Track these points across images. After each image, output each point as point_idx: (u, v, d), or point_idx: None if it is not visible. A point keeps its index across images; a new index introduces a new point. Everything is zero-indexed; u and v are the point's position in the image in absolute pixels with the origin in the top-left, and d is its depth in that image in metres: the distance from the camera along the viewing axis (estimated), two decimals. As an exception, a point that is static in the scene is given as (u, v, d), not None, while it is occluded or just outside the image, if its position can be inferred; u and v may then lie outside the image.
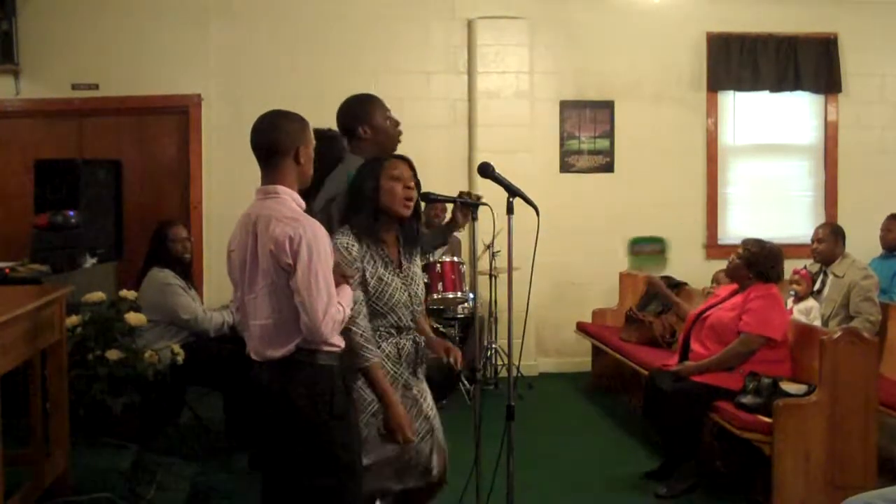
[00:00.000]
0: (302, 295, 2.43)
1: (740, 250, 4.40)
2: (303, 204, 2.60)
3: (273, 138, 2.59)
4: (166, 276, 4.68)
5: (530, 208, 2.82)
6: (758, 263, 4.32)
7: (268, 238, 2.48)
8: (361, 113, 3.15)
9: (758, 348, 4.15)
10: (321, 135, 2.81)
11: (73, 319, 3.98)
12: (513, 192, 2.84)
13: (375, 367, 2.66)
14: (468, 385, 5.78)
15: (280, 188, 2.57)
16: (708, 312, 4.45)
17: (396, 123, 3.19)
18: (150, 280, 4.68)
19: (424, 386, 2.87)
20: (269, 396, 2.57)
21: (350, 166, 2.93)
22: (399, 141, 3.20)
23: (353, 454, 2.54)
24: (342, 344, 2.53)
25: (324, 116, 2.84)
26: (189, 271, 5.00)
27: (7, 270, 4.27)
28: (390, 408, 2.65)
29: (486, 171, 2.88)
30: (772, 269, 4.34)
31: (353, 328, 2.61)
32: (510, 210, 2.81)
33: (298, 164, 2.58)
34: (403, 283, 2.78)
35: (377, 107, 3.16)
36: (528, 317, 3.02)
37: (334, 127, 3.20)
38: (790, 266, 5.28)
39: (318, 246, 2.44)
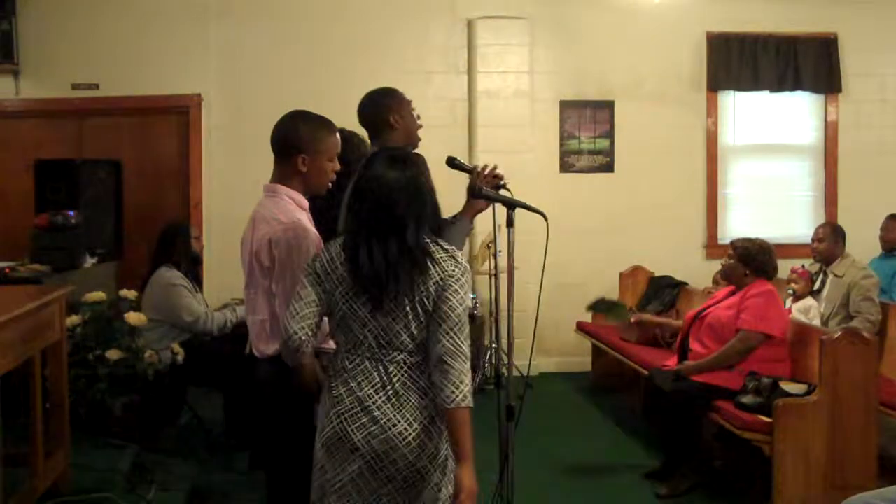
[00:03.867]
0: (279, 297, 2.44)
1: (730, 251, 4.43)
2: (304, 205, 2.60)
3: (280, 137, 2.58)
4: (174, 276, 4.69)
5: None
6: (754, 259, 4.34)
7: (255, 238, 2.50)
8: (392, 103, 3.13)
9: (757, 345, 4.15)
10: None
11: (73, 319, 3.98)
12: (511, 204, 2.74)
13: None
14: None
15: (279, 187, 2.57)
16: (706, 311, 4.46)
17: (418, 116, 3.17)
18: (157, 279, 4.68)
19: None
20: (265, 393, 2.58)
21: None
22: (420, 138, 3.17)
23: None
24: (333, 346, 2.53)
25: (325, 116, 2.83)
26: (198, 271, 5.04)
27: (7, 270, 4.27)
28: (468, 465, 2.13)
29: (475, 191, 2.78)
30: (767, 262, 4.35)
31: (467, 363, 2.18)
32: (510, 223, 2.74)
33: (299, 170, 2.56)
34: None
35: (403, 98, 3.16)
36: (536, 319, 3.02)
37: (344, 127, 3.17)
38: (789, 266, 5.29)
39: (298, 249, 2.43)
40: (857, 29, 7.08)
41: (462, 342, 2.16)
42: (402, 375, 2.19)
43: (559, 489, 4.29)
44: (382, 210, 2.18)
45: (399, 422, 2.16)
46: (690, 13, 6.98)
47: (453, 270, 2.19)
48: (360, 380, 2.19)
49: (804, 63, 6.99)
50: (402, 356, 2.19)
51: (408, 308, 2.16)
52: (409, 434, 2.16)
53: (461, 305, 2.18)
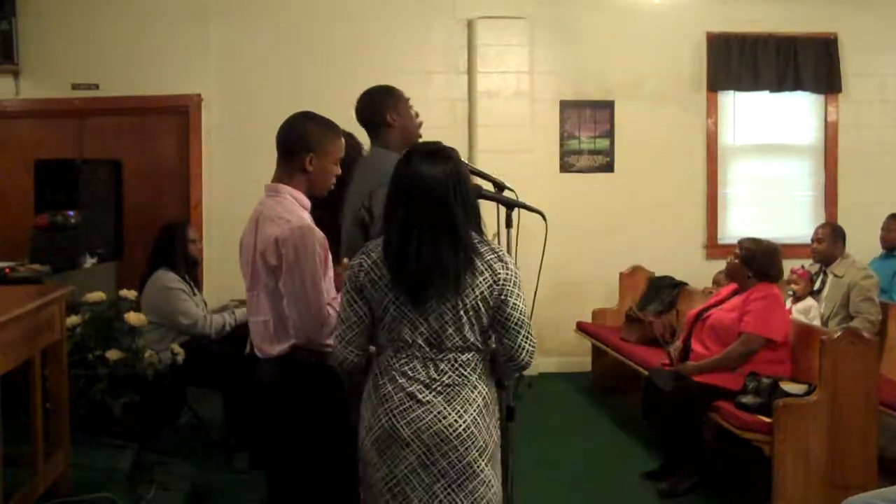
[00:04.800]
0: (287, 297, 2.44)
1: (737, 250, 4.42)
2: (307, 204, 2.60)
3: (286, 136, 2.59)
4: (171, 278, 4.68)
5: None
6: (756, 261, 4.33)
7: (260, 238, 2.50)
8: (389, 100, 3.12)
9: (758, 349, 4.15)
10: None
11: (73, 319, 3.98)
12: (511, 205, 2.72)
13: None
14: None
15: (281, 187, 2.57)
16: (708, 312, 4.45)
17: (417, 115, 3.16)
18: (155, 282, 4.68)
19: None
20: (269, 394, 2.58)
21: (385, 161, 2.75)
22: (419, 136, 3.15)
23: (349, 456, 2.53)
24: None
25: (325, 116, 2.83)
26: (196, 272, 5.03)
27: (7, 270, 4.27)
28: None
29: (475, 193, 2.77)
30: (771, 266, 4.34)
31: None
32: (509, 223, 2.73)
33: (305, 169, 2.56)
34: None
35: (401, 95, 3.14)
36: (531, 317, 3.01)
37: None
38: (789, 266, 5.28)
39: (305, 248, 2.43)
40: (857, 29, 7.08)
41: (534, 335, 2.26)
42: (453, 372, 2.21)
43: (559, 489, 4.29)
44: (433, 205, 2.17)
45: (449, 413, 2.18)
46: (690, 13, 6.98)
47: (507, 275, 2.21)
48: (409, 376, 2.21)
49: (804, 63, 6.99)
50: (452, 355, 2.21)
51: (461, 312, 2.18)
52: (460, 426, 2.18)
53: (526, 305, 2.24)
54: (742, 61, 6.97)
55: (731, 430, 4.01)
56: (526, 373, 6.37)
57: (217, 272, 6.36)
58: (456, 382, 2.20)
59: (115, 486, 3.52)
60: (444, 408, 2.18)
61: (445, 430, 2.17)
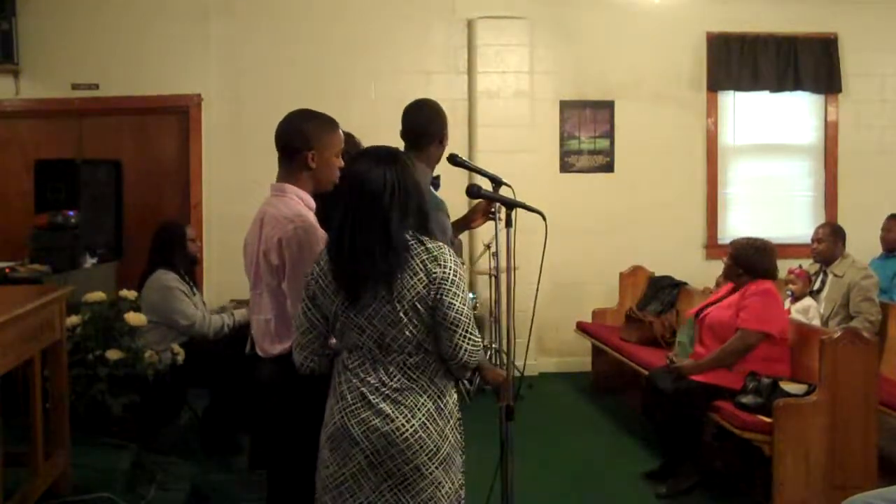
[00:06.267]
0: (290, 297, 2.45)
1: (729, 250, 4.44)
2: (312, 204, 2.60)
3: (286, 136, 2.59)
4: (169, 279, 4.67)
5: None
6: (746, 260, 4.32)
7: (264, 237, 2.50)
8: (445, 120, 3.10)
9: (755, 344, 4.14)
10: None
11: (73, 319, 3.98)
12: (511, 204, 2.74)
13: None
14: (468, 385, 5.78)
15: (287, 186, 2.57)
16: (706, 312, 4.45)
17: None
18: (154, 282, 4.67)
19: None
20: (268, 393, 2.58)
21: (428, 180, 2.81)
22: None
23: None
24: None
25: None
26: (195, 272, 5.03)
27: (7, 270, 4.27)
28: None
29: (474, 192, 2.78)
30: (761, 263, 4.32)
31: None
32: (509, 223, 2.75)
33: (308, 167, 2.56)
34: None
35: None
36: (532, 319, 3.02)
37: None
38: (786, 266, 5.28)
39: (309, 249, 2.44)
40: (857, 29, 7.08)
41: (476, 334, 2.24)
42: (402, 375, 2.22)
43: (559, 489, 4.29)
44: (367, 204, 2.19)
45: (397, 418, 2.19)
46: (690, 13, 6.98)
47: (444, 273, 2.20)
48: (361, 378, 2.23)
49: (804, 63, 6.99)
50: (401, 357, 2.22)
51: (400, 313, 2.18)
52: (407, 430, 2.19)
53: (465, 304, 2.22)
54: (742, 61, 6.97)
55: (731, 430, 4.01)
56: (526, 373, 6.39)
57: (217, 272, 6.36)
58: (404, 387, 2.21)
59: (115, 486, 3.52)
60: (392, 412, 2.19)
61: (392, 434, 2.19)
